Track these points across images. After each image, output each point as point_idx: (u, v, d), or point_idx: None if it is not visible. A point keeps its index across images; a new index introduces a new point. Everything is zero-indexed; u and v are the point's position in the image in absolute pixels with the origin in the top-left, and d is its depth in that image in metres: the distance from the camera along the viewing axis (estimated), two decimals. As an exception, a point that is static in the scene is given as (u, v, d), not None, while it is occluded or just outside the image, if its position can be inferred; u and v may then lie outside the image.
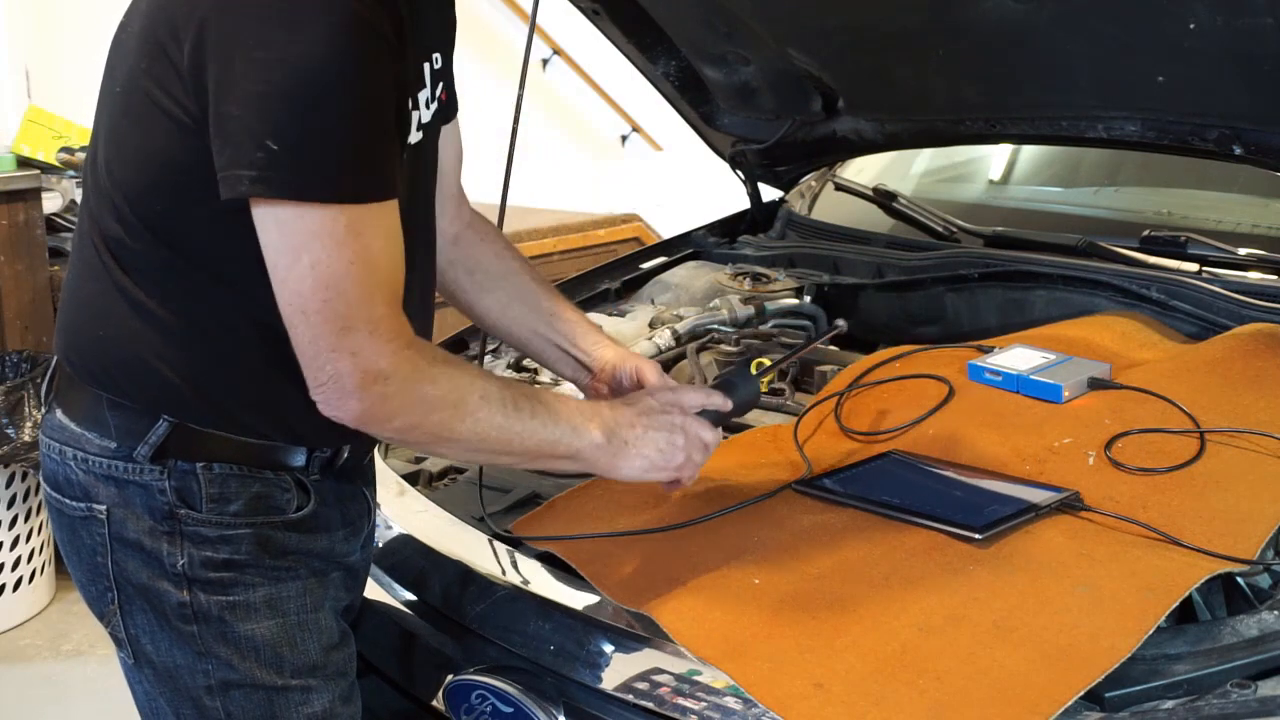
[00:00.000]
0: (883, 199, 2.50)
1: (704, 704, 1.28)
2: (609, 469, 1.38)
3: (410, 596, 1.61)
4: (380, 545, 1.64)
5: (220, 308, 1.28)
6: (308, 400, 1.32)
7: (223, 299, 1.27)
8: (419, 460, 1.83)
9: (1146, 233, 2.14)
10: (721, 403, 1.48)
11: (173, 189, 1.24)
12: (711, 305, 2.24)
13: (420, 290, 1.38)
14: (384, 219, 1.21)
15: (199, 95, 1.18)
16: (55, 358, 1.41)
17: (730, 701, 1.27)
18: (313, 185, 1.17)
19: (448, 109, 1.48)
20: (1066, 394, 1.71)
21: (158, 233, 1.27)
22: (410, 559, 1.63)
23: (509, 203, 1.75)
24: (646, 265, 2.49)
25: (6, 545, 3.31)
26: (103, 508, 1.31)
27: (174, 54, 1.19)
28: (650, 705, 1.31)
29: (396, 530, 1.66)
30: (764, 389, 1.96)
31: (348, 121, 1.17)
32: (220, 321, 1.28)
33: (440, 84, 1.39)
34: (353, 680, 1.42)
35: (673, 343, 2.11)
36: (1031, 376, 1.74)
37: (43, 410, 1.43)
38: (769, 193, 2.70)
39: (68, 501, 1.34)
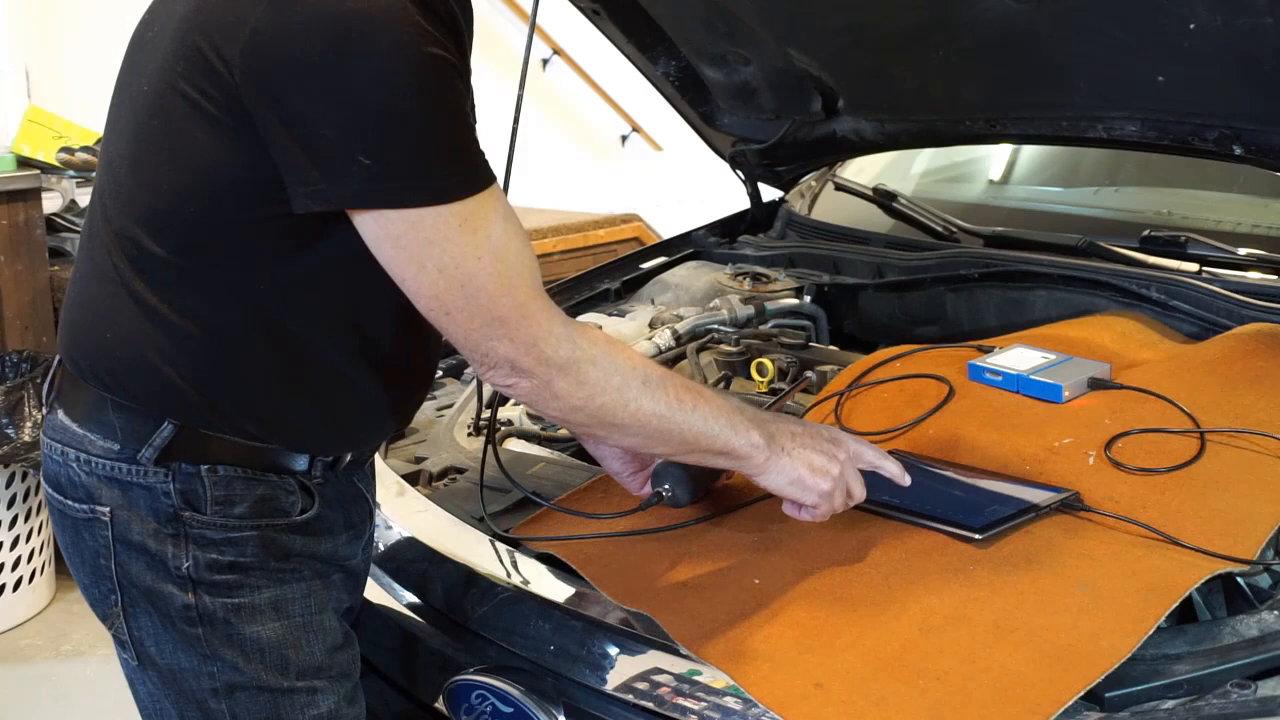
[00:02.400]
0: (883, 199, 2.50)
1: (704, 704, 1.28)
2: (758, 471, 1.38)
3: (410, 597, 1.61)
4: (380, 546, 1.64)
5: (234, 313, 1.27)
6: (312, 408, 1.33)
7: (239, 305, 1.27)
8: (419, 460, 1.83)
9: (1146, 233, 2.14)
10: (899, 473, 1.46)
11: (209, 193, 1.23)
12: (711, 305, 2.24)
13: None
14: (495, 205, 1.22)
15: (253, 107, 1.17)
16: (56, 358, 1.41)
17: (730, 701, 1.27)
18: (415, 191, 1.17)
19: None
20: (1066, 394, 1.71)
21: (182, 235, 1.26)
22: (410, 560, 1.63)
23: (509, 203, 1.75)
24: (646, 265, 2.49)
25: (6, 545, 3.31)
26: (106, 510, 1.31)
27: (215, 61, 1.18)
28: (650, 705, 1.31)
29: (397, 530, 1.66)
30: (763, 389, 1.96)
31: (433, 124, 1.17)
32: (232, 327, 1.28)
33: None
34: (356, 682, 1.42)
35: (673, 343, 2.11)
36: (1031, 376, 1.74)
37: (43, 411, 1.43)
38: (769, 193, 2.70)
39: (70, 503, 1.34)
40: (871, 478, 1.46)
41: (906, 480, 1.46)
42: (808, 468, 1.39)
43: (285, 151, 1.18)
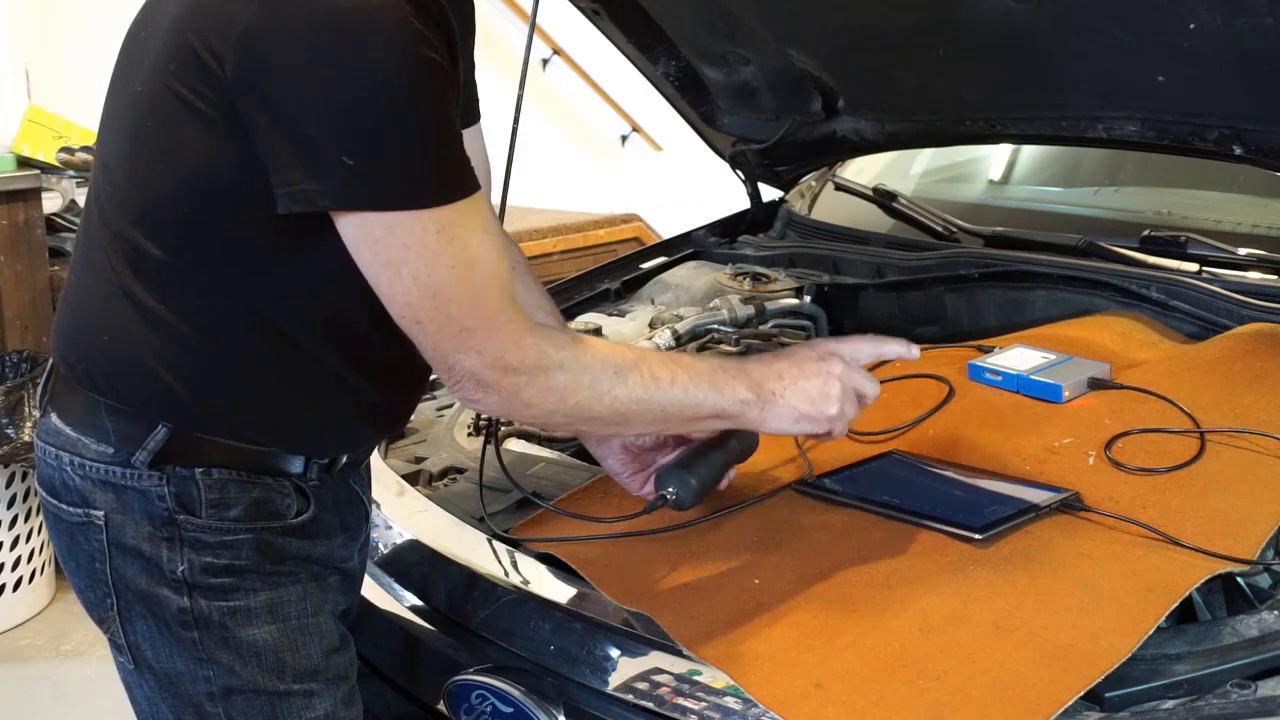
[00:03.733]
0: (883, 199, 2.50)
1: (704, 704, 1.28)
2: (758, 423, 1.38)
3: (410, 597, 1.60)
4: (380, 546, 1.64)
5: (231, 315, 1.27)
6: (308, 410, 1.33)
7: (235, 306, 1.27)
8: (419, 460, 1.83)
9: (1146, 233, 2.14)
10: (904, 349, 1.46)
11: (204, 192, 1.23)
12: (711, 305, 2.24)
13: None
14: (475, 214, 1.21)
15: (243, 104, 1.17)
16: (49, 360, 1.40)
17: (730, 701, 1.27)
18: (396, 194, 1.17)
19: (469, 115, 1.48)
20: (1066, 394, 1.71)
21: (178, 236, 1.25)
22: (410, 560, 1.63)
23: (509, 203, 1.75)
24: (646, 265, 2.49)
25: (6, 545, 3.32)
26: (100, 513, 1.31)
27: (209, 60, 1.18)
28: (650, 705, 1.31)
29: (396, 531, 1.66)
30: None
31: (420, 128, 1.17)
32: (229, 329, 1.28)
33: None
34: (353, 684, 1.41)
35: (673, 343, 2.11)
36: (1031, 376, 1.74)
37: (37, 414, 1.43)
38: (769, 193, 2.70)
39: (64, 507, 1.34)
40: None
41: (915, 352, 1.47)
42: (806, 400, 1.38)
43: (272, 150, 1.17)
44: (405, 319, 1.23)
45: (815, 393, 1.38)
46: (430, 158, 1.18)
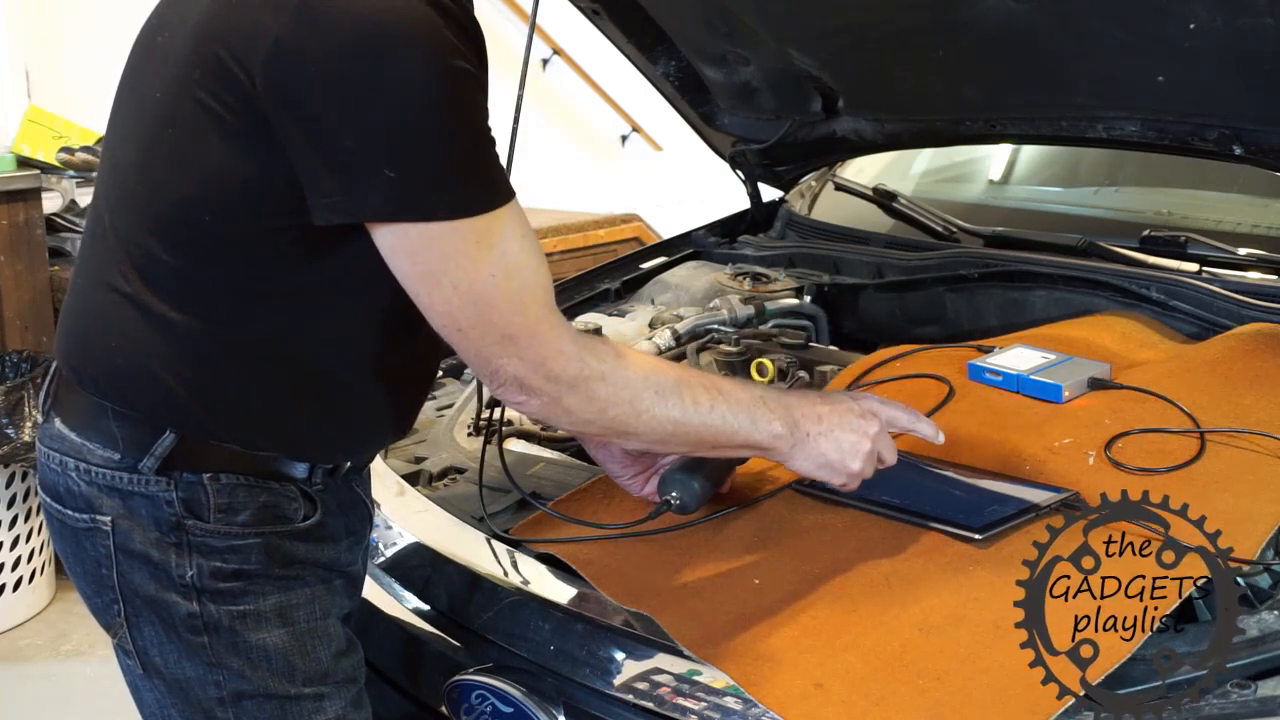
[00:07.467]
0: (883, 199, 2.50)
1: (704, 704, 1.28)
2: (784, 458, 1.41)
3: (410, 598, 1.61)
4: (380, 546, 1.64)
5: (242, 323, 1.27)
6: (314, 417, 1.33)
7: (246, 314, 1.27)
8: (419, 460, 1.83)
9: (1146, 233, 2.14)
10: (932, 433, 1.49)
11: (222, 201, 1.23)
12: (711, 305, 2.24)
13: None
14: (513, 221, 1.22)
15: (276, 117, 1.16)
16: (53, 365, 1.40)
17: (730, 701, 1.27)
18: (435, 204, 1.17)
19: None
20: (1066, 394, 1.71)
21: (194, 243, 1.25)
22: (410, 560, 1.63)
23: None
24: (646, 265, 2.49)
25: (6, 545, 3.32)
26: (107, 519, 1.30)
27: (235, 71, 1.17)
28: (650, 705, 1.31)
29: (397, 531, 1.66)
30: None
31: (457, 138, 1.17)
32: (239, 337, 1.27)
33: None
34: (361, 687, 1.41)
35: (673, 343, 2.11)
36: (1031, 376, 1.74)
37: (39, 419, 1.42)
38: (769, 193, 2.70)
39: (69, 513, 1.33)
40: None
41: (940, 438, 1.49)
42: (836, 450, 1.40)
43: (306, 162, 1.17)
44: (446, 327, 1.23)
45: (847, 446, 1.41)
46: (468, 167, 1.19)
